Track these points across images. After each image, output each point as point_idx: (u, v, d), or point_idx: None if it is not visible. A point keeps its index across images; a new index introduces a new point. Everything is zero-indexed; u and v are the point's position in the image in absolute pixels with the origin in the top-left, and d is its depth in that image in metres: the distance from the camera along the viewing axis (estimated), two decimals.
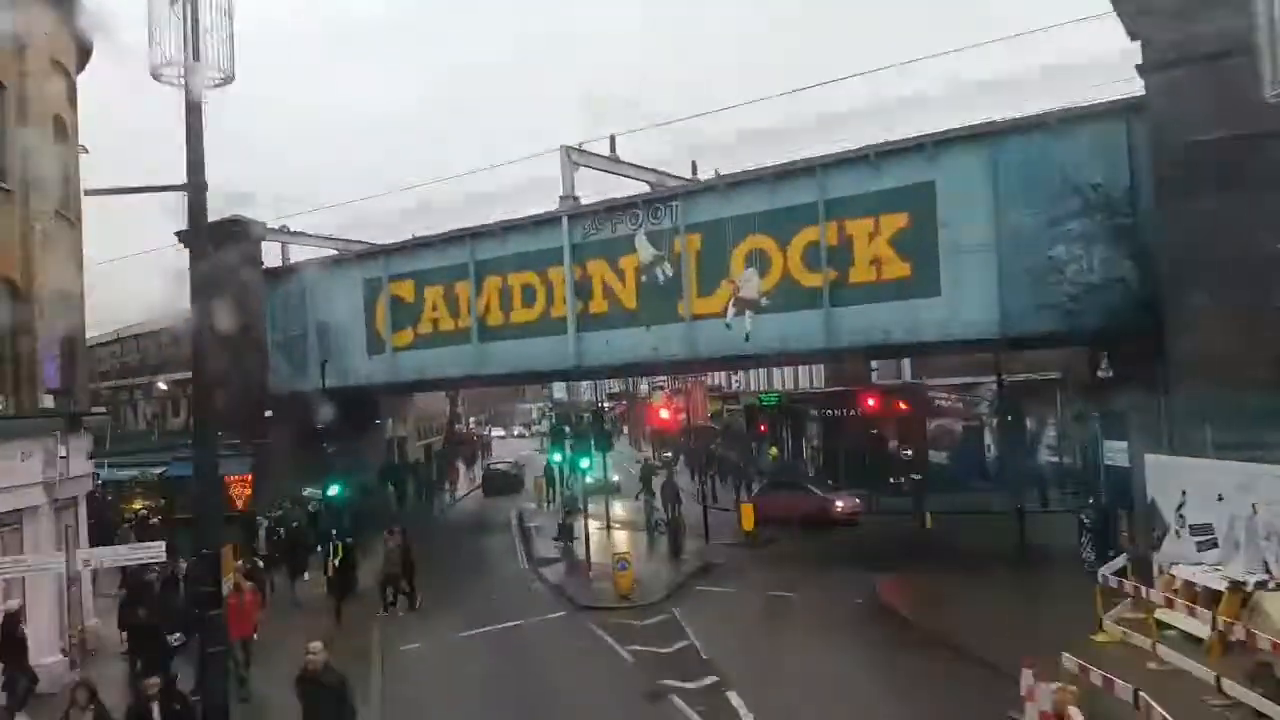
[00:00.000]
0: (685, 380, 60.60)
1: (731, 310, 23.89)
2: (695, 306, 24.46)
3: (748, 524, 27.08)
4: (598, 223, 26.22)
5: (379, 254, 31.21)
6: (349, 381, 32.52)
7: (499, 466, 46.35)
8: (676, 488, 29.01)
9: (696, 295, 24.48)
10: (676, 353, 24.99)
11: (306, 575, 23.28)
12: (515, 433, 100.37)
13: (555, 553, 27.03)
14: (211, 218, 12.71)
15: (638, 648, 16.31)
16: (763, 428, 37.21)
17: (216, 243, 33.88)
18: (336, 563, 19.30)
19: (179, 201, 11.84)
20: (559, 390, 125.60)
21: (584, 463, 22.95)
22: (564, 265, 26.55)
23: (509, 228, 27.91)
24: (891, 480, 34.55)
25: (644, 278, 25.37)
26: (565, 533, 27.70)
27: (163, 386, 38.82)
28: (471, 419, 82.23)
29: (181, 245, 35.39)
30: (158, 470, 33.75)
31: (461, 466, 54.13)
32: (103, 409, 42.31)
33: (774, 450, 41.08)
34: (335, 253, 33.72)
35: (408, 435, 53.26)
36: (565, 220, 26.55)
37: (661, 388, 64.73)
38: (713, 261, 24.14)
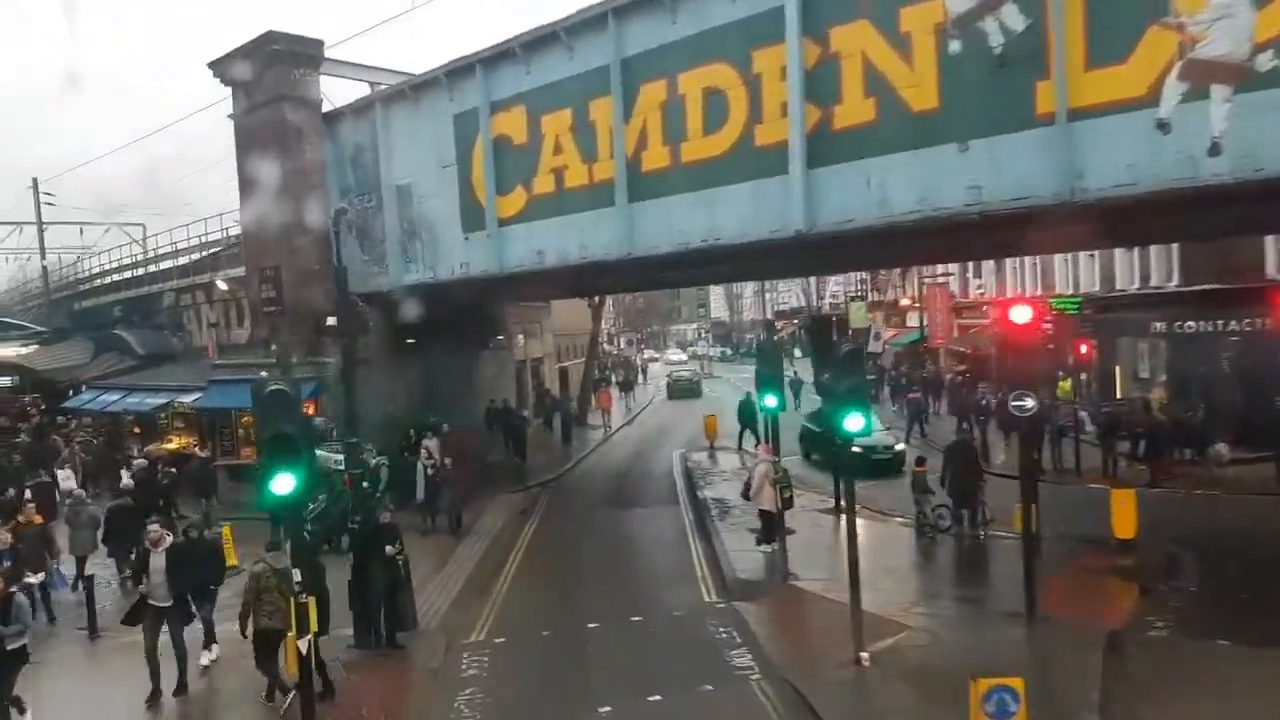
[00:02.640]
0: (900, 284, 46.93)
1: (1176, 88, 10.87)
2: (1078, 90, 11.52)
3: (1124, 527, 14.36)
4: None
5: (473, 67, 19.66)
6: (439, 275, 21.64)
7: (681, 373, 51.64)
8: (975, 455, 16.50)
9: (1082, 66, 11.55)
10: (1031, 193, 12.15)
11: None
12: (670, 356, 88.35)
13: (759, 566, 15.22)
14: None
15: None
16: (1085, 348, 23.71)
17: (254, 69, 23.66)
18: (302, 645, 8.18)
19: None
20: (718, 306, 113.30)
21: (853, 420, 10.26)
22: (785, 40, 14.15)
23: None
24: None
25: (954, 44, 12.60)
26: (772, 527, 15.86)
27: (222, 286, 29.36)
28: (622, 340, 71.55)
29: (218, 79, 25.46)
30: (190, 398, 24.22)
31: (615, 393, 43.37)
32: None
33: (1065, 384, 27.62)
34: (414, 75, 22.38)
35: (544, 356, 43.00)
36: None
37: (860, 296, 51.34)
38: None
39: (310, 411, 22.51)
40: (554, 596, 14.18)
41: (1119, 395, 25.79)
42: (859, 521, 17.80)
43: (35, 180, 40.97)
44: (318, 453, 17.54)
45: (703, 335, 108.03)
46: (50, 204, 41.76)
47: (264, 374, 23.06)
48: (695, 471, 25.18)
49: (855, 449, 11.44)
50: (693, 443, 31.50)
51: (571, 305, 46.37)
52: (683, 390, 46.16)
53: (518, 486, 23.70)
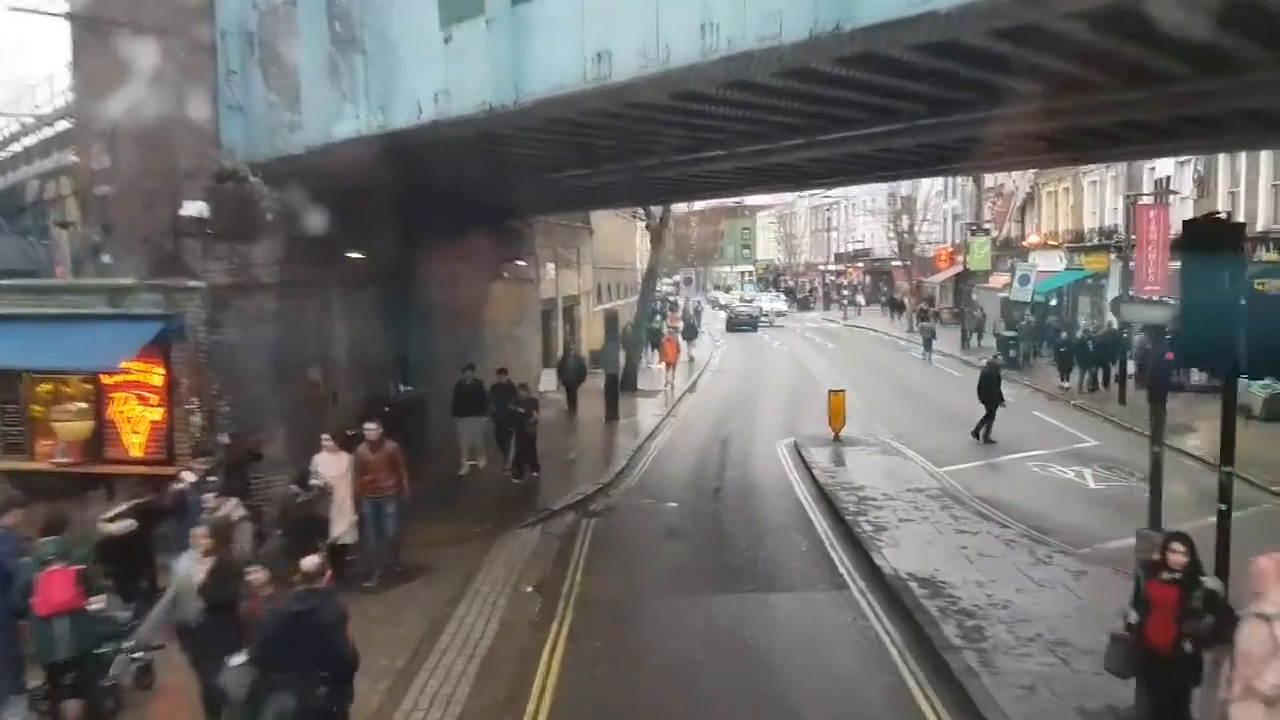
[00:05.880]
0: (1019, 217, 35.57)
1: None
2: None
3: None
4: None
5: None
6: (392, 120, 10.86)
7: (742, 310, 56.11)
8: None
9: None
10: None
11: None
12: (770, 303, 67.06)
13: None
14: None
15: None
16: None
17: None
18: None
19: None
20: (766, 243, 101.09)
21: None
22: None
23: None
24: None
25: None
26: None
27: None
28: (675, 277, 61.46)
29: None
30: None
31: (680, 342, 32.70)
32: None
33: None
34: None
35: (580, 295, 32.60)
36: None
37: (981, 229, 40.05)
38: None
39: (162, 373, 12.24)
40: None
41: None
42: None
43: None
44: None
45: (748, 279, 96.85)
46: None
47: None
48: (837, 493, 14.72)
49: None
50: (793, 424, 21.38)
51: (618, 227, 35.81)
52: (741, 323, 53.14)
53: (528, 520, 13.30)
